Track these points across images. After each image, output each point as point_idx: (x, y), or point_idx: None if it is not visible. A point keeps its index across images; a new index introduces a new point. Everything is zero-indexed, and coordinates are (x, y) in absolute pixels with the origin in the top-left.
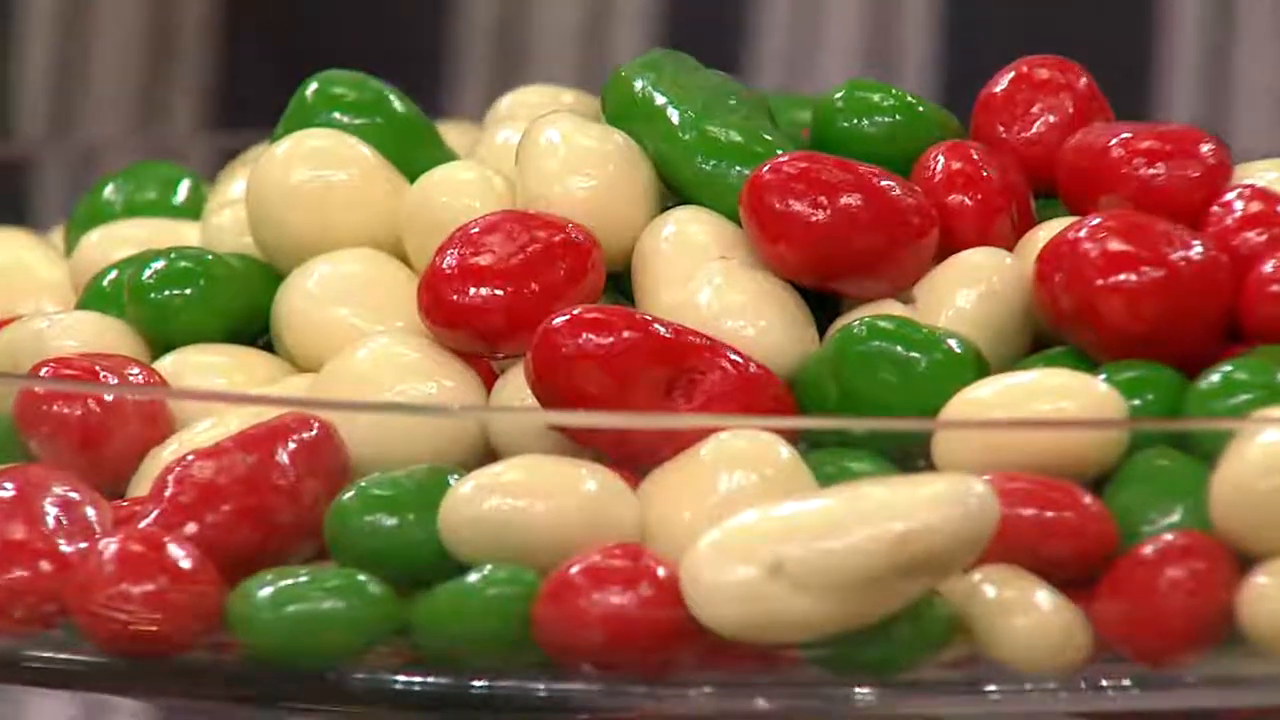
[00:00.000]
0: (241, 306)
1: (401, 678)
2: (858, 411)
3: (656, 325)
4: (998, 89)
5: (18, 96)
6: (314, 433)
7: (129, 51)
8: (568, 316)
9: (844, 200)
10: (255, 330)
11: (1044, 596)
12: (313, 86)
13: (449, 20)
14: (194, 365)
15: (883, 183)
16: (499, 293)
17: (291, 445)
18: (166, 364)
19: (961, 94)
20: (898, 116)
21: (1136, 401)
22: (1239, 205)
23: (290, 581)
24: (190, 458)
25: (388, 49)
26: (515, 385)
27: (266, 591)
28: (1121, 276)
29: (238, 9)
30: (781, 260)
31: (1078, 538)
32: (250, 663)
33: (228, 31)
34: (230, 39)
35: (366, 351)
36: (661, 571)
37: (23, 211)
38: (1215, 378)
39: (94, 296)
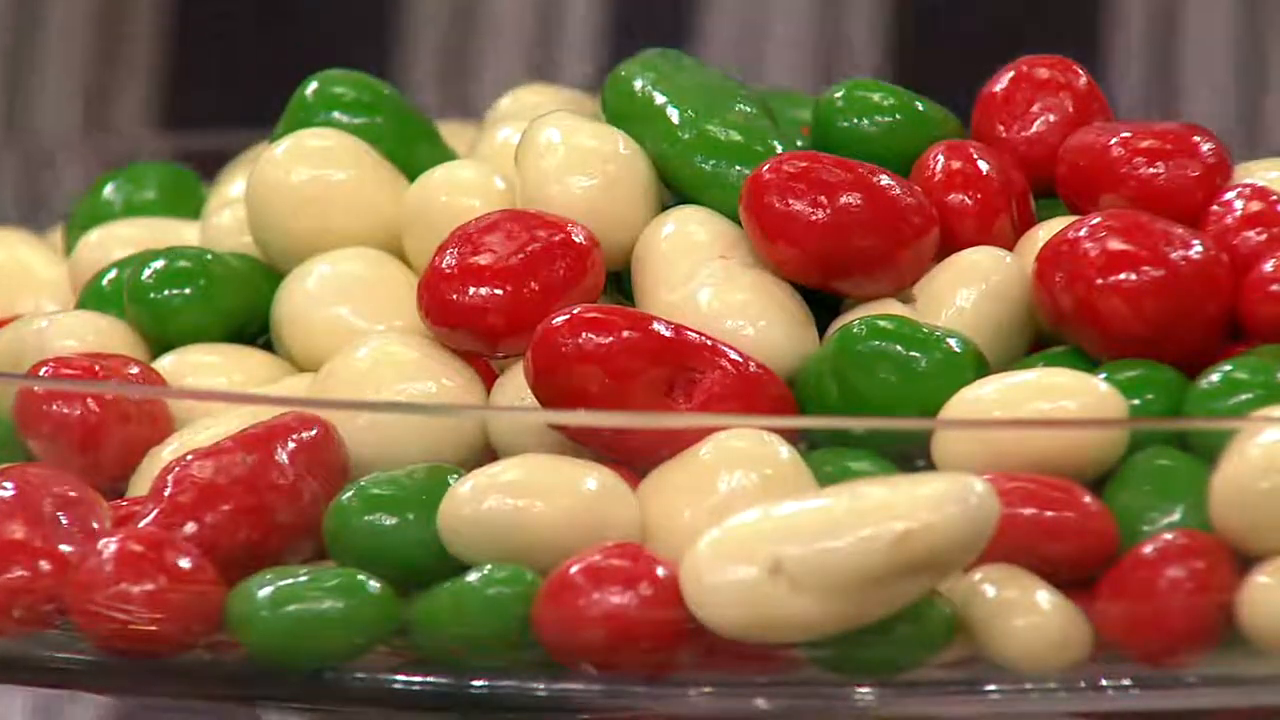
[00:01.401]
0: (241, 306)
1: (401, 678)
2: (858, 411)
3: (656, 325)
4: (997, 88)
5: None
6: (313, 432)
7: (77, 50)
8: (567, 316)
9: (844, 200)
10: (255, 330)
11: (1044, 596)
12: (312, 86)
13: (398, 16)
14: (193, 365)
15: (883, 182)
16: (499, 292)
17: (291, 445)
18: (166, 364)
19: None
20: (898, 116)
21: (1136, 401)
22: (1239, 204)
23: (289, 581)
24: (189, 457)
25: (336, 46)
26: (515, 385)
27: (266, 591)
28: (1121, 276)
29: (187, 7)
30: (781, 260)
31: (1078, 537)
32: (249, 662)
33: (177, 30)
34: (179, 38)
35: (366, 351)
36: (661, 571)
37: None
38: (1215, 377)
39: (93, 296)
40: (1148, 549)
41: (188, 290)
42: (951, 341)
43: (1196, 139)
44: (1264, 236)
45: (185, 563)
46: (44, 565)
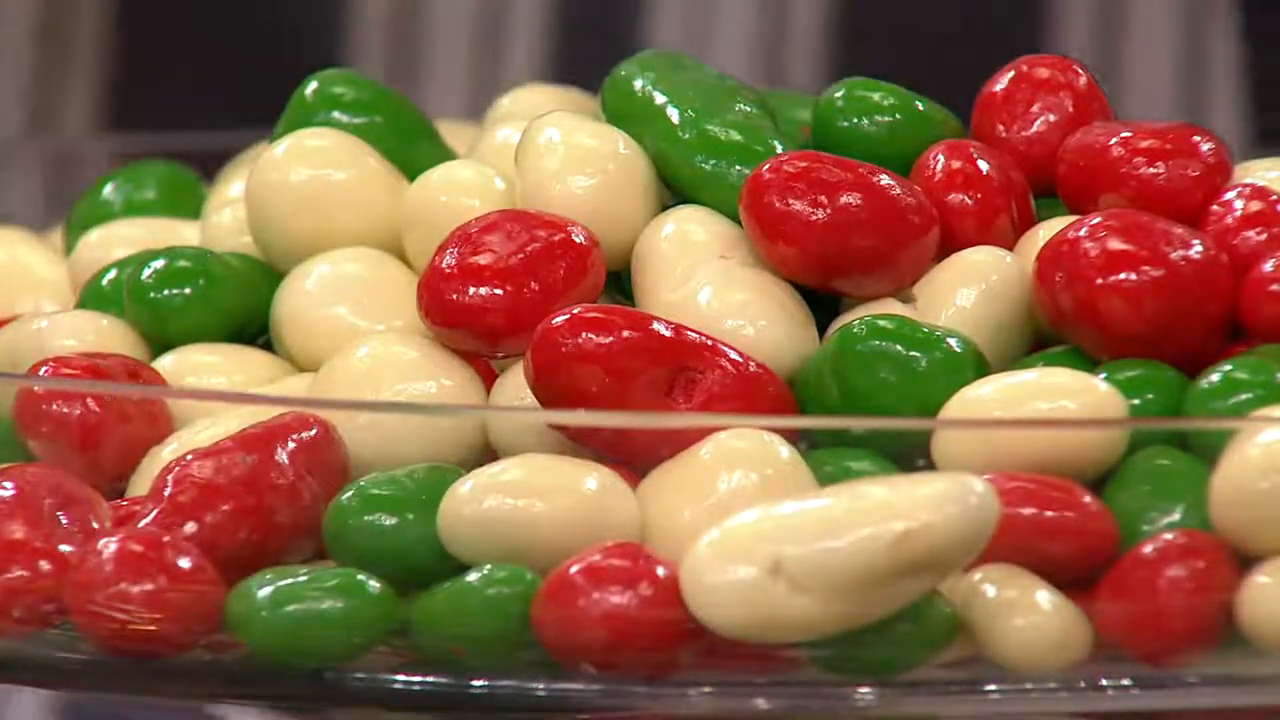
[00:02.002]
0: (241, 306)
1: (401, 678)
2: (858, 411)
3: (656, 324)
4: (997, 88)
5: None
6: (313, 432)
7: (21, 51)
8: (567, 316)
9: (844, 199)
10: (254, 330)
11: (1044, 596)
12: (312, 86)
13: (344, 17)
14: (193, 365)
15: (883, 182)
16: (498, 292)
17: (291, 445)
18: (166, 363)
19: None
20: (898, 115)
21: (1136, 401)
22: (1239, 204)
23: (289, 581)
24: (189, 457)
25: (285, 45)
26: (515, 384)
27: (265, 591)
28: (1121, 275)
29: (132, 6)
30: (781, 259)
31: (1078, 537)
32: (249, 662)
33: (123, 29)
34: (125, 36)
35: (366, 351)
36: (661, 571)
37: None
38: (1215, 377)
39: (93, 296)
40: (1148, 549)
41: (187, 290)
42: (951, 341)
43: (1196, 139)
44: (1264, 236)
45: (185, 563)
46: (44, 565)
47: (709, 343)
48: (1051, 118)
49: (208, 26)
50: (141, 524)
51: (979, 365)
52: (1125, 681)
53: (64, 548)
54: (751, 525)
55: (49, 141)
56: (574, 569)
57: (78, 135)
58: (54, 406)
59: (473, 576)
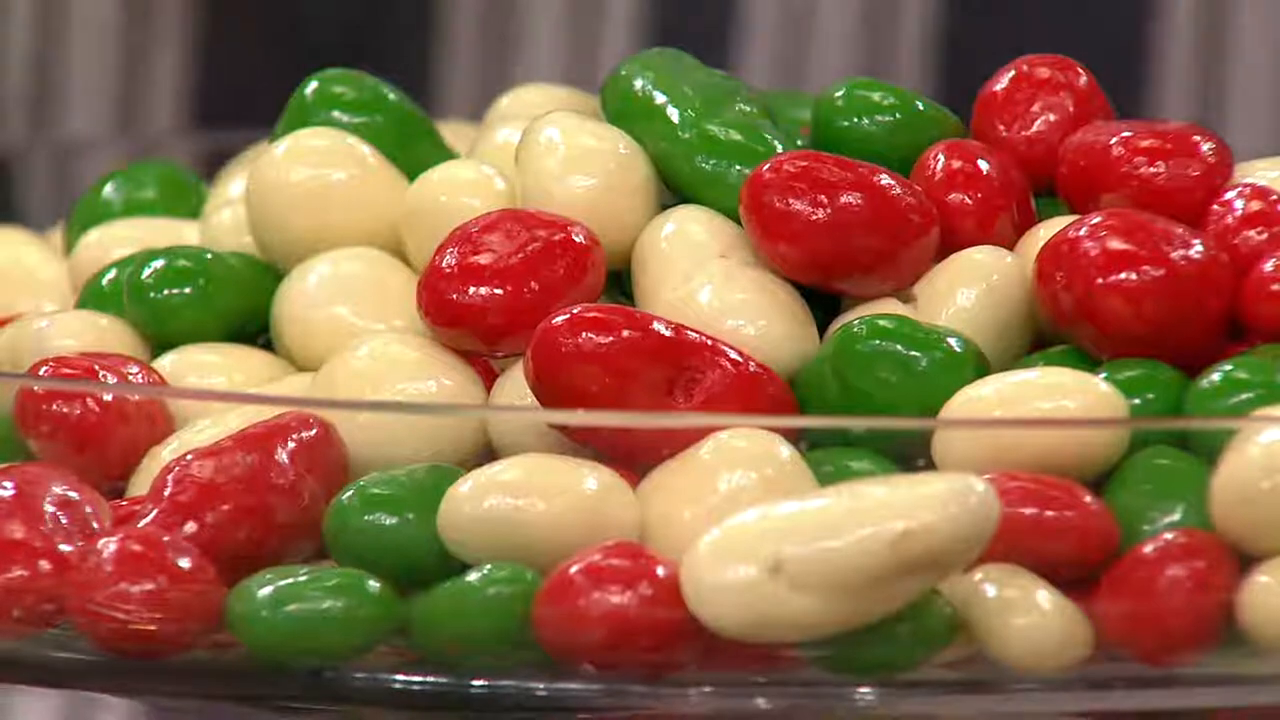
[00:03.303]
0: (241, 306)
1: (401, 677)
2: (858, 410)
3: (656, 324)
4: (998, 87)
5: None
6: (313, 432)
7: (107, 49)
8: (567, 315)
9: (844, 199)
10: (255, 329)
11: (1044, 596)
12: (312, 85)
13: (437, 14)
14: (193, 364)
15: (883, 181)
16: (499, 292)
17: (291, 444)
18: (166, 363)
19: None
20: (898, 115)
21: (1137, 400)
22: (1239, 204)
23: (289, 581)
24: (189, 457)
25: (374, 44)
26: (515, 384)
27: (266, 591)
28: (1122, 275)
29: (217, 6)
30: (781, 259)
31: (1078, 537)
32: (249, 662)
33: (207, 28)
34: (210, 36)
35: (366, 350)
36: (661, 571)
37: (2, 210)
38: (1216, 376)
39: (93, 296)
40: (1148, 548)
41: (187, 290)
42: (952, 341)
43: (1197, 138)
44: (1264, 236)
45: (185, 562)
46: (44, 565)
47: (709, 342)
48: (1052, 117)
49: (294, 23)
50: (141, 524)
51: (979, 365)
52: (1126, 681)
53: (64, 547)
54: (751, 525)
55: (135, 138)
56: (574, 569)
57: (163, 133)
58: (54, 406)
59: (473, 576)
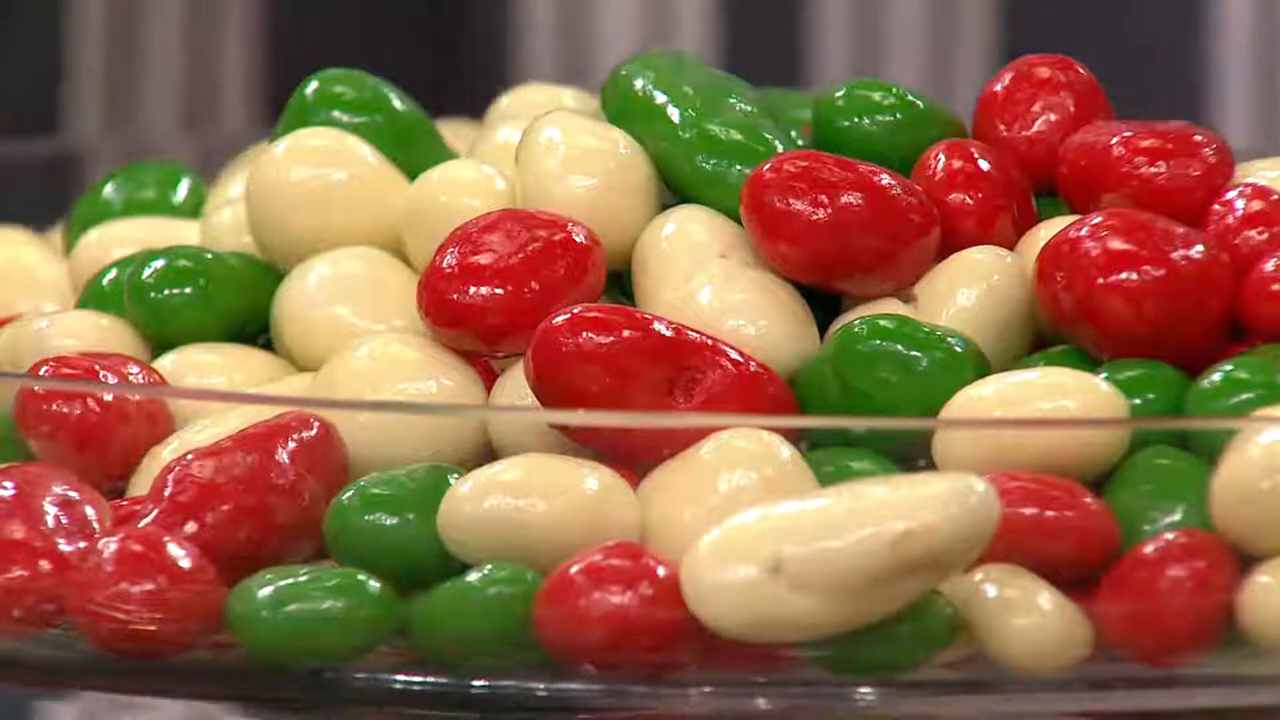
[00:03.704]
0: (241, 306)
1: (401, 678)
2: (858, 410)
3: (657, 324)
4: (998, 87)
5: (71, 91)
6: (313, 432)
7: (179, 46)
8: (568, 315)
9: (845, 199)
10: (255, 329)
11: (1045, 596)
12: (312, 85)
13: (511, 18)
14: (193, 364)
15: (883, 181)
16: (499, 292)
17: (291, 444)
18: (166, 363)
19: None
20: (898, 115)
21: (1137, 400)
22: (1240, 204)
23: (290, 581)
24: (190, 457)
25: (445, 45)
26: (515, 384)
27: (266, 591)
28: (1122, 275)
29: (286, 3)
30: (782, 259)
31: (1079, 537)
32: (250, 662)
33: (276, 26)
34: (279, 33)
35: (366, 350)
36: (661, 571)
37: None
38: (1216, 377)
39: (93, 296)
40: (1149, 549)
41: (188, 290)
42: (952, 341)
43: (1198, 138)
44: (1265, 236)
45: (185, 562)
46: (44, 565)
47: (709, 342)
48: (1052, 117)
49: (361, 22)
50: (142, 524)
51: (980, 365)
52: (1126, 681)
53: (64, 547)
54: (752, 525)
55: (205, 135)
56: (574, 569)
57: (234, 130)
58: (54, 406)
59: (473, 576)
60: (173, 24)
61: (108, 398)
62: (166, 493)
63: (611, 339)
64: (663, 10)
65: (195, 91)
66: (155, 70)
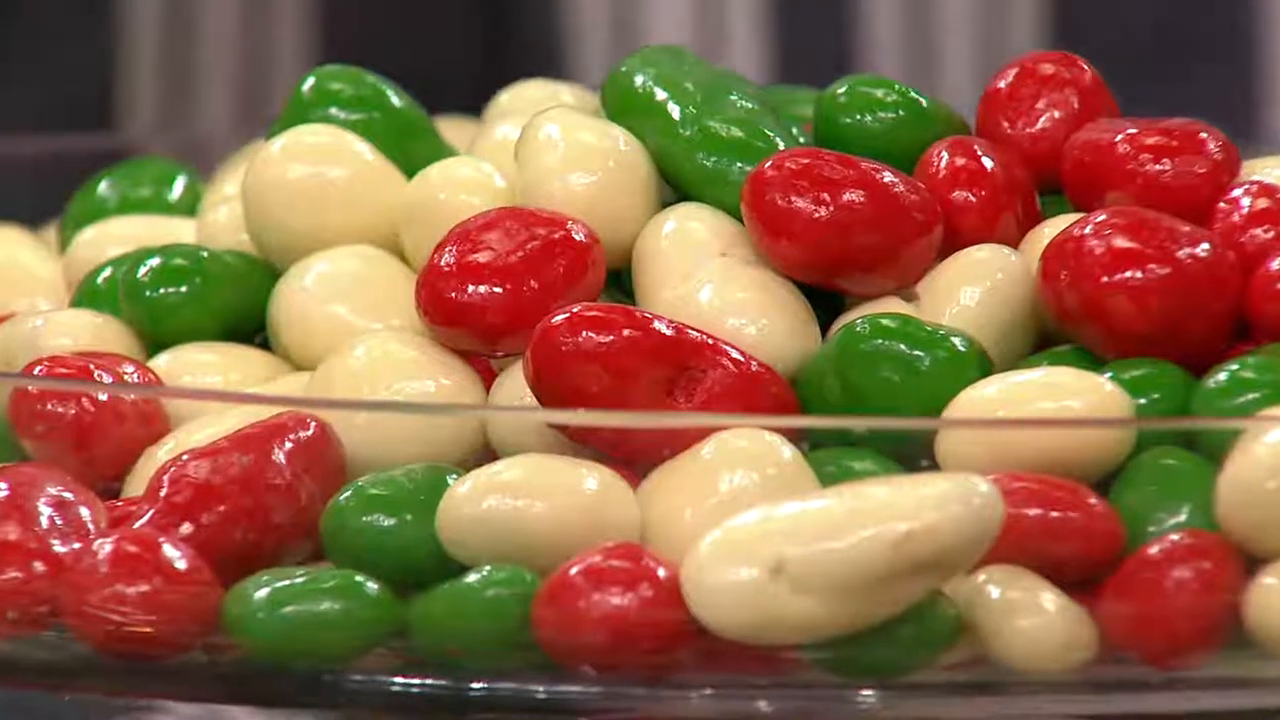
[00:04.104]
0: (237, 304)
1: (399, 680)
2: (860, 410)
3: (657, 323)
4: (1002, 84)
5: (126, 88)
6: (310, 432)
7: (234, 43)
8: (567, 314)
9: (846, 197)
10: (251, 328)
11: (1049, 597)
12: (309, 82)
13: (563, 18)
14: (189, 363)
15: (886, 179)
16: (498, 290)
17: (288, 444)
18: (162, 362)
19: None
20: (901, 112)
21: (1142, 400)
22: (1246, 201)
23: (286, 582)
24: (185, 457)
25: (498, 46)
26: (514, 384)
27: (263, 592)
28: (1127, 274)
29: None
30: (783, 257)
31: (1083, 538)
32: (246, 664)
33: (330, 22)
34: (334, 31)
35: (363, 349)
36: (662, 572)
37: None
38: (1222, 376)
39: (88, 294)
40: (1154, 549)
41: (183, 288)
42: (955, 340)
43: (1203, 135)
44: (1271, 234)
45: (181, 564)
46: (39, 566)
47: (710, 341)
48: (1056, 114)
49: (411, 19)
50: (137, 524)
51: (983, 364)
52: (1131, 683)
53: (59, 548)
54: (753, 526)
55: (259, 131)
56: (574, 570)
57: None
58: (49, 406)
59: (472, 577)
60: (228, 20)
61: (103, 397)
62: (162, 493)
63: (611, 338)
64: (714, 11)
65: (250, 88)
66: (210, 66)
